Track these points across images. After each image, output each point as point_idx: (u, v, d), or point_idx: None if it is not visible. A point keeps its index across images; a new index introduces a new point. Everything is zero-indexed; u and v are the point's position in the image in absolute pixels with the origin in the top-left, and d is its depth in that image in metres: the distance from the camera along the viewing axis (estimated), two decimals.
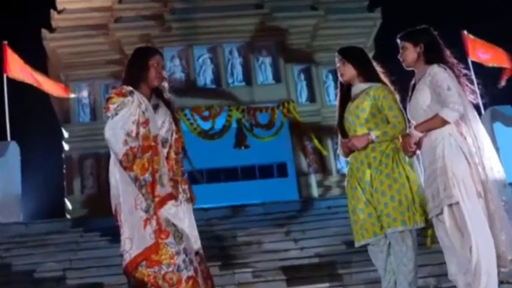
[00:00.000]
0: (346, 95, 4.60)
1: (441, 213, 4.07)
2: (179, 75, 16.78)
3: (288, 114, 16.38)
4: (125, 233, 3.84)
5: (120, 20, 16.75)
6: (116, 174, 3.94)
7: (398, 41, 4.43)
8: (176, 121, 4.26)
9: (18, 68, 13.95)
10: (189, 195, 4.12)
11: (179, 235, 3.87)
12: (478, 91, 4.57)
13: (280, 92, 16.75)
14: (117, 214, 3.91)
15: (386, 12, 17.51)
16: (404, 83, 4.52)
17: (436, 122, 4.11)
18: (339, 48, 4.63)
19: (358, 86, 4.50)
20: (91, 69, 16.77)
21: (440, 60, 4.25)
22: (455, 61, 4.32)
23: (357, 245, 4.43)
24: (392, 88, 4.48)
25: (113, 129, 3.89)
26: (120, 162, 3.84)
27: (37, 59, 15.95)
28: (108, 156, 4.09)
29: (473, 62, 13.91)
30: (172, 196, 3.94)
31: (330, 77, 17.25)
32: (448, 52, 4.34)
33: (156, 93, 4.20)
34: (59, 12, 17.08)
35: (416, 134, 4.19)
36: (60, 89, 15.25)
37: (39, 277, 8.30)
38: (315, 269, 7.93)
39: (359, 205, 4.35)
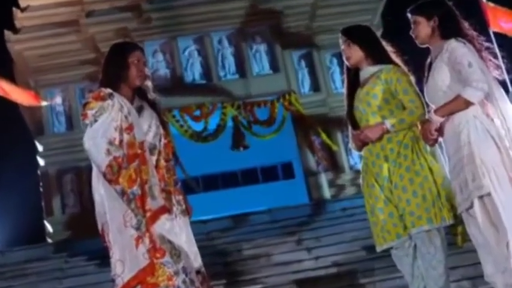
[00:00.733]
0: (354, 81, 4.60)
1: (471, 206, 4.06)
2: (164, 71, 16.81)
3: (290, 107, 16.40)
4: (115, 254, 3.84)
5: (92, 14, 16.76)
6: (100, 190, 3.94)
7: (409, 15, 4.44)
8: (164, 124, 4.28)
9: None
10: (184, 206, 4.13)
11: (177, 253, 3.88)
12: (503, 65, 4.58)
13: (280, 83, 16.77)
14: (104, 234, 3.92)
15: None
16: (419, 63, 4.52)
17: (459, 104, 4.11)
18: (342, 28, 4.63)
19: (367, 70, 4.50)
20: (63, 72, 16.80)
21: (457, 33, 4.25)
22: (474, 33, 4.32)
23: (378, 249, 4.43)
24: (405, 69, 4.48)
25: (93, 138, 3.90)
26: (104, 175, 3.85)
27: (1, 65, 15.96)
28: (90, 170, 4.10)
29: (495, 33, 13.89)
30: (165, 209, 3.94)
31: (335, 61, 17.29)
32: (466, 24, 4.34)
33: (139, 94, 4.21)
34: (23, 10, 17.09)
35: (437, 119, 4.18)
36: (30, 97, 15.19)
37: None
38: (334, 280, 7.97)
39: (378, 204, 4.34)
